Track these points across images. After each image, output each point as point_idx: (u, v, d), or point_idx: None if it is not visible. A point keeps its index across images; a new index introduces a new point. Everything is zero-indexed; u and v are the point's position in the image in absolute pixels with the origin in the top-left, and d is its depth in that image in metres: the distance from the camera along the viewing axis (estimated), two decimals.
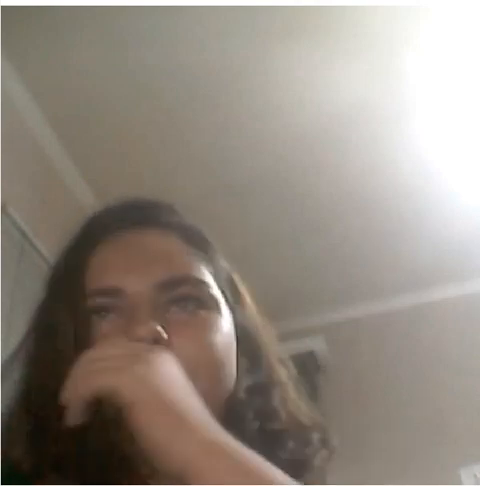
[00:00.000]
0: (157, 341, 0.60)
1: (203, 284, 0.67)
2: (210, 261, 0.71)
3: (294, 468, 0.63)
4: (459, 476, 2.91)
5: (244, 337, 0.70)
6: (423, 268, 3.18)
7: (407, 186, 2.82)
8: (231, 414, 0.61)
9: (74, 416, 0.54)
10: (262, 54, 2.29)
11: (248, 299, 0.75)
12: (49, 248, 2.31)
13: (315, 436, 0.70)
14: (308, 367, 2.96)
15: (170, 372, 0.56)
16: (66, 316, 0.64)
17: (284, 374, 0.72)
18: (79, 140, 2.54)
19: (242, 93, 2.43)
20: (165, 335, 0.61)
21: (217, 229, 0.75)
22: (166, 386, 0.54)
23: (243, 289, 0.75)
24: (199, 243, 0.72)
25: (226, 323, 0.67)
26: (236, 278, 0.75)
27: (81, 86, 2.35)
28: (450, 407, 3.07)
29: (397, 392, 3.17)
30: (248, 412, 0.66)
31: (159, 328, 0.61)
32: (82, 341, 0.62)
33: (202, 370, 0.62)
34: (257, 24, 2.19)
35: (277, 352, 0.74)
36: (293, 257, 3.07)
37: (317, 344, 3.20)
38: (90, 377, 0.54)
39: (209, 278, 0.69)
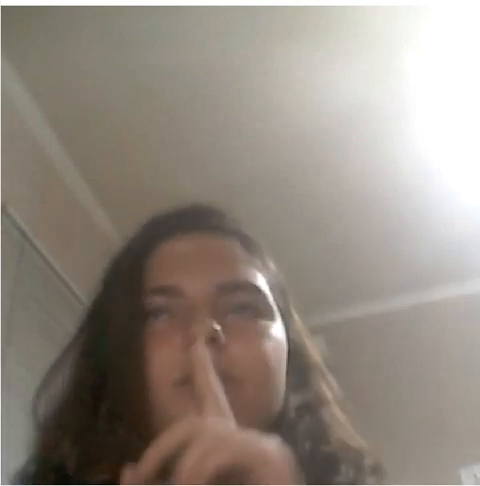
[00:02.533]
0: (214, 340, 0.60)
1: (261, 293, 0.67)
2: (267, 272, 0.71)
3: None
4: (459, 476, 2.91)
5: (294, 352, 0.69)
6: (423, 268, 3.18)
7: (407, 186, 2.82)
8: (282, 434, 0.58)
9: None
10: (262, 54, 2.29)
11: (294, 312, 0.74)
12: (49, 248, 2.31)
13: (366, 462, 0.68)
14: None
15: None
16: (122, 315, 0.64)
17: (330, 394, 0.71)
18: (79, 140, 2.54)
19: (242, 93, 2.43)
20: (222, 335, 0.61)
21: None
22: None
23: (291, 301, 0.74)
24: (257, 252, 0.72)
25: (280, 335, 0.67)
26: (287, 290, 0.74)
27: (81, 86, 2.35)
28: (450, 407, 3.07)
29: (397, 392, 3.18)
30: (299, 433, 0.65)
31: (217, 327, 0.61)
32: (136, 340, 0.62)
33: (253, 377, 0.62)
34: (257, 24, 2.19)
35: (323, 371, 0.73)
36: (293, 257, 3.07)
37: (317, 344, 3.20)
38: (216, 451, 0.49)
39: (266, 288, 0.68)
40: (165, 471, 0.49)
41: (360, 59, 2.31)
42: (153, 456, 0.49)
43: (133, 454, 0.56)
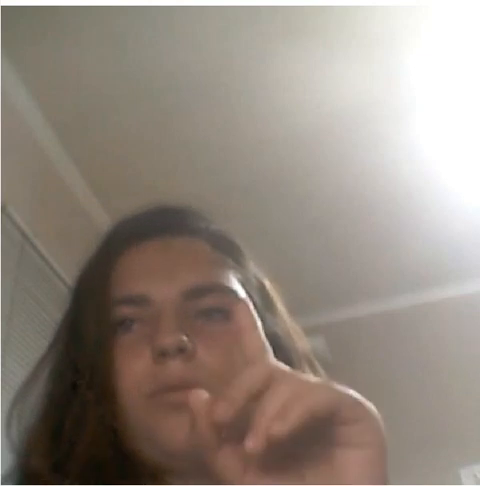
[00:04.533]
0: (182, 351, 0.60)
1: (231, 292, 0.66)
2: (239, 267, 0.69)
3: None
4: (459, 476, 2.91)
5: (279, 347, 0.67)
6: (423, 268, 3.18)
7: (407, 186, 2.82)
8: None
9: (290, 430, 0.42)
10: (262, 54, 2.29)
11: (279, 305, 0.72)
12: (49, 248, 2.31)
13: None
14: None
15: None
16: (91, 327, 0.64)
17: None
18: (79, 140, 2.54)
19: (242, 93, 2.43)
20: (190, 344, 0.60)
21: None
22: None
23: (274, 295, 0.73)
24: (227, 249, 0.70)
25: None
26: (267, 284, 0.73)
27: (81, 86, 2.35)
28: (450, 407, 3.07)
29: (397, 392, 3.17)
30: None
31: (184, 337, 0.60)
32: (105, 354, 0.62)
33: (227, 383, 0.61)
34: (257, 24, 2.19)
35: (309, 360, 0.72)
36: (293, 257, 3.07)
37: (317, 344, 3.21)
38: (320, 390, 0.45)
39: (237, 286, 0.67)
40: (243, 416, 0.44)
41: (360, 59, 2.31)
42: (239, 393, 0.44)
43: (101, 466, 0.56)
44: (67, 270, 2.33)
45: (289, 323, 0.72)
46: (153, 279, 0.65)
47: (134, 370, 0.61)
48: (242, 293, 0.67)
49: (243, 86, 2.40)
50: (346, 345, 3.31)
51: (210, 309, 0.64)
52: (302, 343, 0.72)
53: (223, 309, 0.64)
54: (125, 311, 0.64)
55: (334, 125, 2.54)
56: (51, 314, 2.21)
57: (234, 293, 0.66)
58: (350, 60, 2.30)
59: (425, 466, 2.91)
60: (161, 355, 0.60)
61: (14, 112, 2.30)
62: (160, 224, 0.70)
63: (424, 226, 3.00)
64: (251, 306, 0.53)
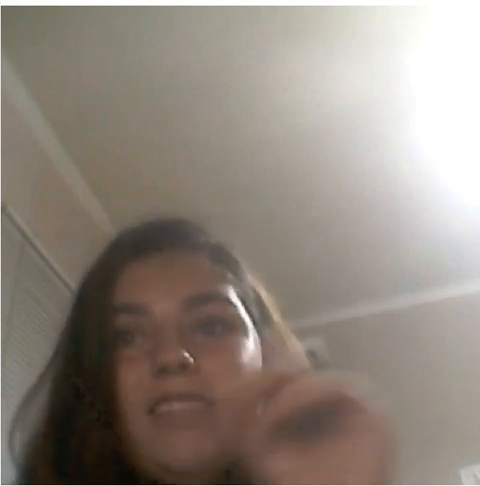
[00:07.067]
0: (184, 367, 0.60)
1: (230, 304, 0.67)
2: (238, 281, 0.70)
3: None
4: (459, 476, 2.92)
5: (271, 359, 0.69)
6: (423, 268, 3.18)
7: (407, 186, 2.82)
8: None
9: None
10: (262, 54, 2.29)
11: (275, 316, 0.74)
12: (49, 248, 2.31)
13: None
14: None
15: None
16: (91, 338, 0.64)
17: None
18: (79, 140, 2.54)
19: (242, 93, 2.43)
20: (192, 360, 0.61)
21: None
22: None
23: (271, 306, 0.74)
24: (226, 263, 0.71)
25: (252, 346, 0.67)
26: (264, 296, 0.74)
27: (81, 86, 2.35)
28: (450, 407, 3.07)
29: (397, 392, 3.17)
30: None
31: (186, 354, 0.61)
32: (107, 371, 0.62)
33: (230, 396, 0.61)
34: (257, 24, 2.19)
35: (306, 370, 0.71)
36: (293, 257, 3.07)
37: (317, 344, 3.20)
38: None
39: (236, 299, 0.68)
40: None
41: (360, 59, 2.31)
42: (256, 385, 0.51)
43: (103, 482, 0.56)
44: (67, 270, 2.33)
45: (284, 333, 0.73)
46: (152, 291, 0.65)
47: (133, 387, 0.61)
48: (240, 306, 0.68)
49: (243, 86, 2.40)
50: (346, 345, 3.31)
51: (210, 318, 0.65)
52: (297, 353, 0.73)
53: (223, 318, 0.65)
54: (125, 320, 0.64)
55: (334, 125, 2.54)
56: (51, 314, 2.21)
57: (233, 305, 0.67)
58: (350, 60, 2.30)
59: (425, 466, 2.91)
60: (162, 372, 0.60)
61: (14, 112, 2.30)
62: (161, 239, 0.71)
63: (424, 226, 3.00)
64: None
